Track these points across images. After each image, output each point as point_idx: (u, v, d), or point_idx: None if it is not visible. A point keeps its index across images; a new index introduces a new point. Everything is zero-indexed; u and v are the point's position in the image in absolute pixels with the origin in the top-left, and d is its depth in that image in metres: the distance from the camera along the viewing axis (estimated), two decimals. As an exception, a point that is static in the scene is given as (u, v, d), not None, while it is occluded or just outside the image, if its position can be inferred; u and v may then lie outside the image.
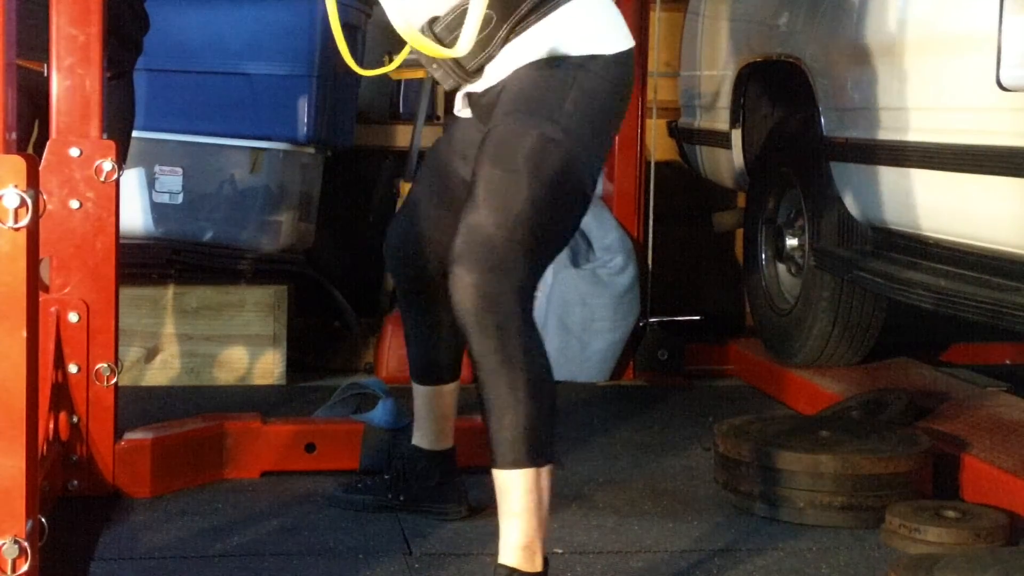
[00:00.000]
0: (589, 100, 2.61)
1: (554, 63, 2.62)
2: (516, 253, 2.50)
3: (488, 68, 2.68)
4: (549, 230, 2.57)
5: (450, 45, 2.58)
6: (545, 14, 2.62)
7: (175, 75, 4.78)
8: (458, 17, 2.62)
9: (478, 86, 2.73)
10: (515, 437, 2.49)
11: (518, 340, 2.50)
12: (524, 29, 2.62)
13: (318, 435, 3.59)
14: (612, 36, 2.67)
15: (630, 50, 2.70)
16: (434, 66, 2.71)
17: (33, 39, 3.41)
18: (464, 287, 2.47)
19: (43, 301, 3.18)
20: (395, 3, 2.62)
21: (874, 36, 3.96)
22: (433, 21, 2.67)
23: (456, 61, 2.67)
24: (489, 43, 2.63)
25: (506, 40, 2.63)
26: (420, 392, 3.19)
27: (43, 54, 3.42)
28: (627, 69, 2.69)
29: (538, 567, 2.53)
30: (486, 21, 2.57)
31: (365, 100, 5.55)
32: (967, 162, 3.51)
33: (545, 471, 2.54)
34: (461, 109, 2.85)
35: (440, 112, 5.63)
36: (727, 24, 5.02)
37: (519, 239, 2.50)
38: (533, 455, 2.51)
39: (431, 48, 2.52)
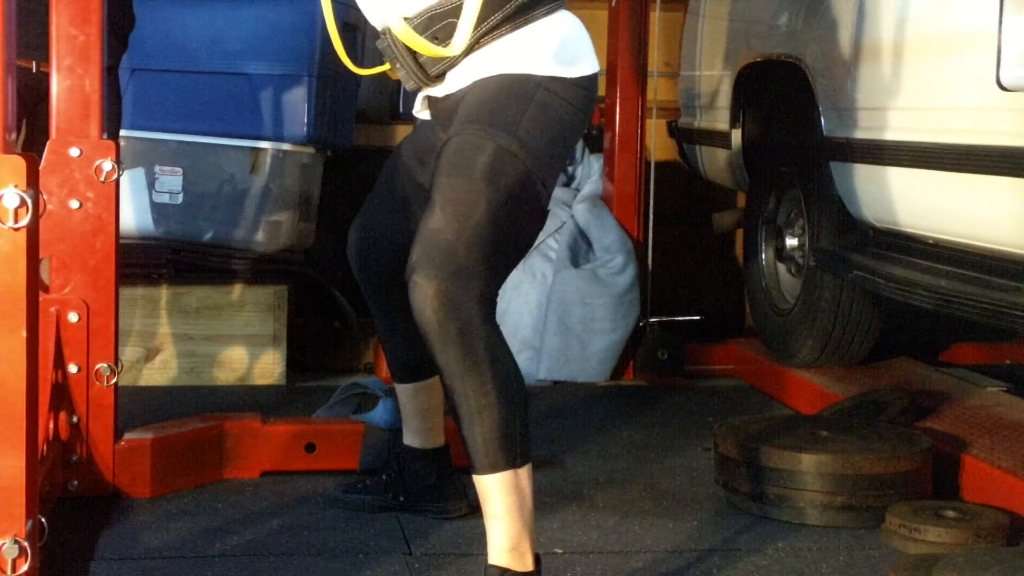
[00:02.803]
0: (547, 117, 2.61)
1: (516, 78, 2.62)
2: (475, 260, 2.49)
3: (450, 75, 2.68)
4: (506, 239, 2.56)
5: (435, 76, 2.65)
6: (513, 29, 2.62)
7: (175, 75, 4.78)
8: (425, 22, 2.64)
9: (439, 91, 2.73)
10: (489, 441, 2.49)
11: (482, 345, 2.48)
12: (491, 41, 2.62)
13: (318, 435, 3.59)
14: (578, 59, 2.67)
15: (594, 75, 2.70)
16: (397, 65, 2.71)
17: (22, 36, 3.40)
18: (424, 295, 2.46)
19: (43, 301, 3.18)
20: (367, 4, 2.69)
21: (874, 36, 3.96)
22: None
23: (419, 64, 2.68)
24: None
25: (472, 49, 2.62)
26: (403, 391, 3.19)
27: (32, 51, 3.41)
28: (589, 93, 2.69)
29: (529, 566, 2.53)
30: (450, 29, 2.57)
31: (365, 100, 5.55)
32: (967, 162, 3.51)
33: (524, 471, 2.53)
34: (420, 110, 2.85)
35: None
36: (727, 24, 5.02)
37: (477, 247, 2.49)
38: (509, 457, 2.50)
39: (426, 47, 2.53)
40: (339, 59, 2.81)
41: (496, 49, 2.63)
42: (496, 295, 2.55)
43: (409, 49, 2.65)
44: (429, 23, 2.64)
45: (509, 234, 2.56)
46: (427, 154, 2.86)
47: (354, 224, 3.13)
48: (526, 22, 2.63)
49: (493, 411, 2.48)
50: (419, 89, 2.76)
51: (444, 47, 2.52)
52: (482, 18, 2.58)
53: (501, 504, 2.52)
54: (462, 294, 2.46)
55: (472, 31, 2.44)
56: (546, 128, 2.60)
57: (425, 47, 2.55)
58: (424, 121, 2.91)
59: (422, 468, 3.23)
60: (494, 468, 2.50)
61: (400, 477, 3.25)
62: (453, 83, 2.69)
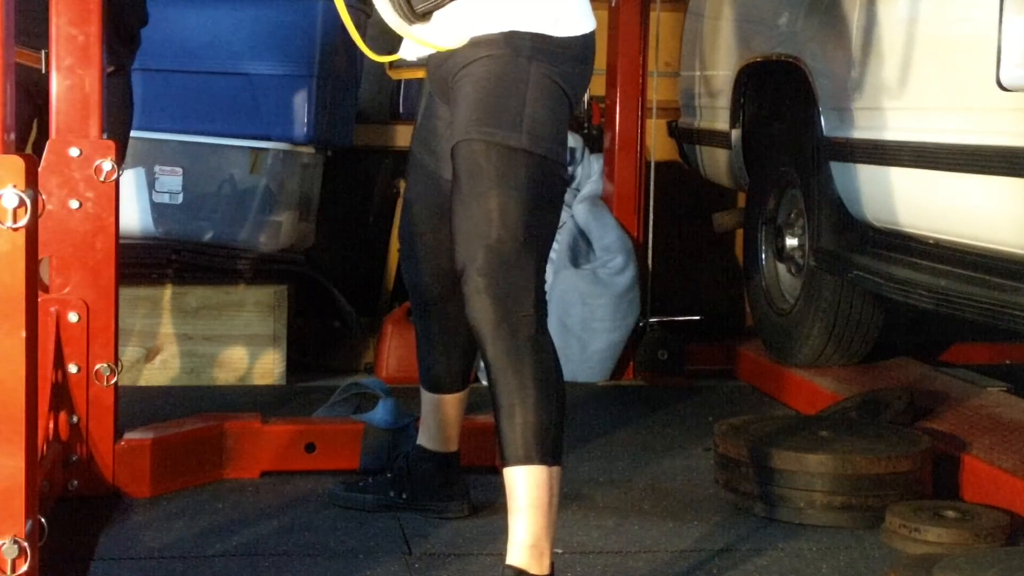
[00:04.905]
0: (547, 95, 2.63)
1: (507, 61, 2.61)
2: (521, 251, 2.56)
3: (438, 16, 2.67)
4: (542, 223, 2.62)
5: (421, 13, 2.63)
6: None
7: (175, 75, 4.78)
8: None
9: (430, 35, 2.69)
10: (525, 434, 2.52)
11: (530, 342, 2.54)
12: None
13: (318, 435, 3.59)
14: (570, 17, 2.67)
15: (589, 34, 2.70)
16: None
17: (26, 24, 3.39)
18: (479, 293, 2.54)
19: (43, 301, 3.18)
20: None
21: (874, 36, 3.96)
22: None
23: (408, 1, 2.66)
24: None
25: None
26: (426, 397, 3.21)
27: (36, 40, 3.40)
28: (584, 52, 2.69)
29: (545, 569, 2.53)
30: None
31: (365, 100, 5.55)
32: (967, 162, 3.51)
33: (555, 471, 2.55)
34: (406, 50, 2.83)
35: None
36: (727, 24, 5.02)
37: (521, 239, 2.56)
38: (543, 452, 2.53)
39: (419, 39, 2.55)
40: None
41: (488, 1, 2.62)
42: (544, 283, 2.62)
43: None
44: None
45: (541, 224, 2.62)
46: (433, 138, 2.88)
47: (399, 235, 3.16)
48: None
49: (531, 405, 2.53)
50: (406, 23, 2.71)
51: (421, 16, 2.56)
52: None
53: (527, 497, 2.52)
54: (515, 289, 2.55)
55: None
56: (548, 107, 2.63)
57: (417, 38, 2.57)
58: (424, 110, 2.92)
59: (430, 470, 3.23)
60: (527, 460, 2.52)
61: (406, 475, 3.25)
62: (440, 30, 2.67)
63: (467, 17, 2.64)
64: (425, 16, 2.68)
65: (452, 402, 3.19)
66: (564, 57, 2.65)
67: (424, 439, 3.24)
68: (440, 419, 3.20)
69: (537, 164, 2.60)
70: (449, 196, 2.69)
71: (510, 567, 2.52)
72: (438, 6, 2.65)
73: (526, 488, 2.53)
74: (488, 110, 2.60)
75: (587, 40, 2.70)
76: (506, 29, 2.62)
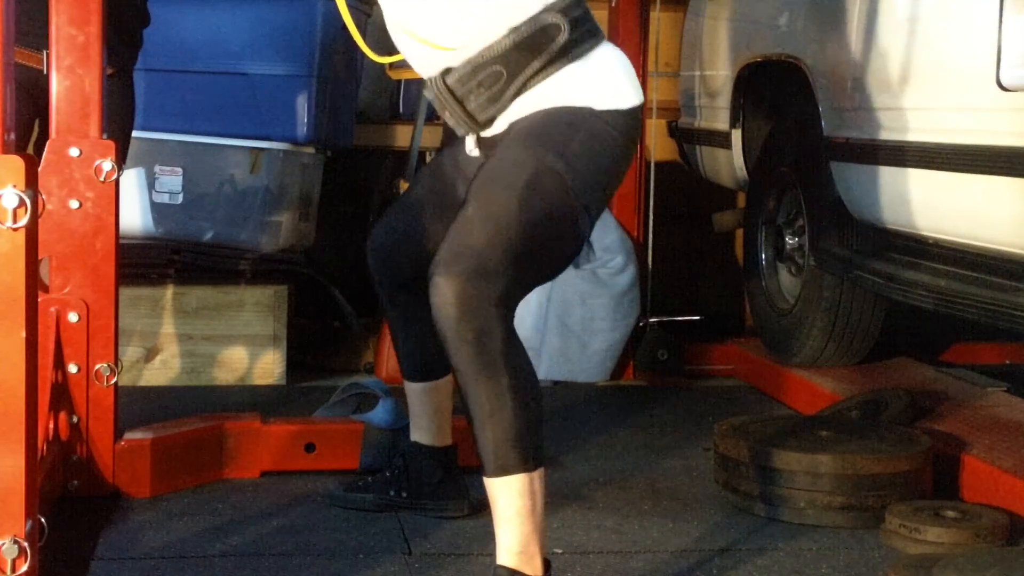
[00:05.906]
0: (598, 145, 2.62)
1: (569, 107, 2.63)
2: (499, 265, 2.48)
3: (500, 119, 2.69)
4: (535, 253, 2.56)
5: (463, 97, 2.65)
6: (556, 71, 2.63)
7: (175, 75, 4.78)
8: (470, 72, 2.64)
9: (489, 132, 2.74)
10: (500, 444, 2.48)
11: (498, 347, 2.46)
12: (535, 84, 2.63)
13: (318, 435, 3.59)
14: (622, 93, 2.68)
15: (641, 105, 2.72)
16: (446, 113, 2.71)
17: (27, 24, 3.39)
18: (444, 293, 2.46)
19: (43, 301, 3.18)
20: (412, 59, 2.71)
21: (874, 36, 3.96)
22: (446, 72, 2.67)
23: (468, 112, 2.68)
24: (500, 98, 2.64)
25: (517, 94, 2.64)
26: (414, 390, 3.19)
27: (37, 40, 3.41)
28: (635, 122, 2.71)
29: (538, 571, 2.52)
30: (495, 77, 2.59)
31: (365, 100, 5.56)
32: (967, 162, 3.51)
33: (536, 475, 2.52)
34: (472, 149, 2.82)
35: (440, 112, 5.62)
36: (727, 24, 5.02)
37: (504, 253, 2.49)
38: (521, 460, 2.49)
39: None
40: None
41: (541, 91, 2.64)
42: (517, 303, 2.54)
43: (456, 97, 2.66)
44: (473, 73, 2.64)
45: (539, 249, 2.56)
46: (472, 167, 2.86)
47: (381, 223, 3.13)
48: (572, 59, 2.64)
49: (506, 414, 2.47)
50: (469, 133, 2.77)
51: (462, 100, 2.62)
52: (522, 64, 2.61)
53: (511, 507, 2.50)
54: (482, 295, 2.45)
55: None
56: (595, 155, 2.61)
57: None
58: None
59: (428, 466, 3.23)
60: (505, 471, 2.49)
61: (405, 473, 3.25)
62: (503, 124, 2.70)
63: (526, 108, 2.65)
64: (488, 122, 2.70)
65: (442, 388, 3.17)
66: (621, 127, 2.66)
67: (418, 435, 3.23)
68: (431, 410, 3.19)
69: (562, 193, 2.56)
70: (452, 209, 2.67)
71: (502, 567, 2.51)
72: (500, 111, 2.66)
73: (508, 499, 2.50)
74: (536, 133, 2.61)
75: (636, 112, 2.71)
76: (565, 105, 2.64)
